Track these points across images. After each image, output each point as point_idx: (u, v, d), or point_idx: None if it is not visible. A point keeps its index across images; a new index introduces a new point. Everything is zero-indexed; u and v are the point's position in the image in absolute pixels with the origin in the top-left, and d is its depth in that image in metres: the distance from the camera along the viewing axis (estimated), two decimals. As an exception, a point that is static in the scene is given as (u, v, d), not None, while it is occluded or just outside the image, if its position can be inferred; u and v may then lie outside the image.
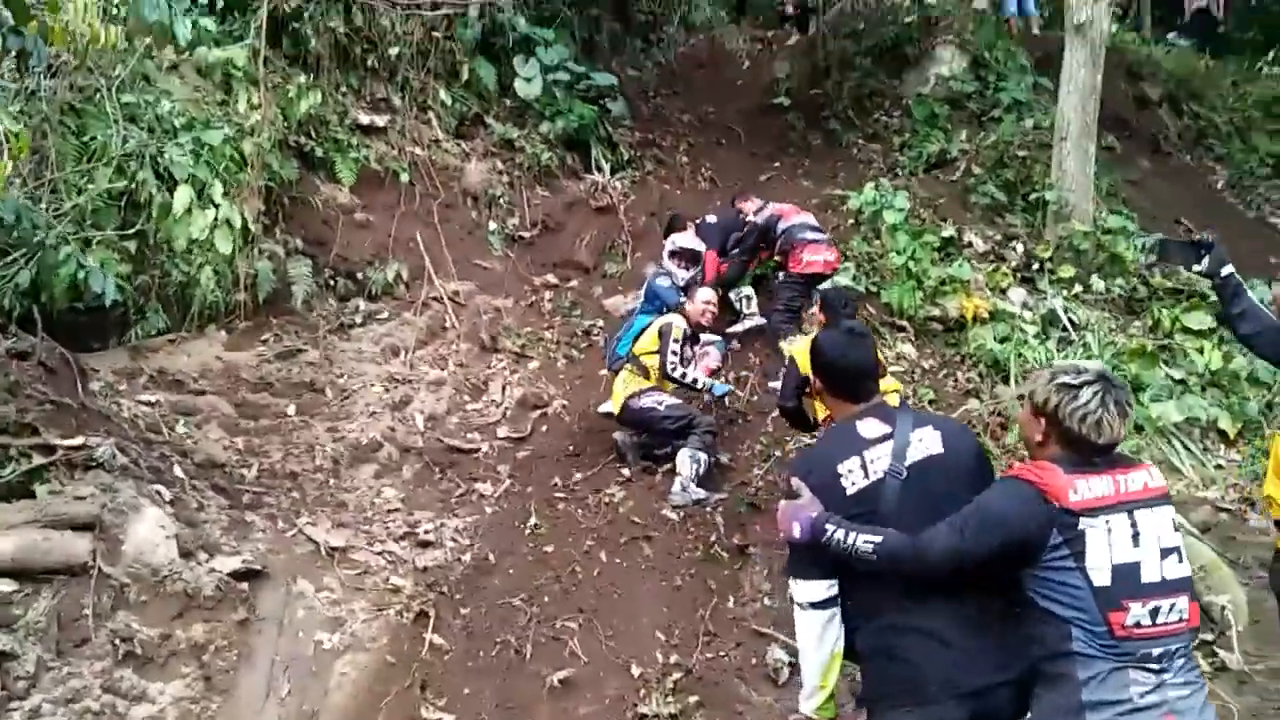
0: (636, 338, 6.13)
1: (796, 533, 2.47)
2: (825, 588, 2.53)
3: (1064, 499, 2.28)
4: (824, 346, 2.77)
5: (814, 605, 2.53)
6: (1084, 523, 2.27)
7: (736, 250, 7.54)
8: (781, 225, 7.13)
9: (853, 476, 2.53)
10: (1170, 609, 2.27)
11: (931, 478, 2.52)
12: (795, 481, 2.59)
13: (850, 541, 2.41)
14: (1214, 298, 7.41)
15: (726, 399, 6.27)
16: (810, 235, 7.01)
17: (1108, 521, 2.28)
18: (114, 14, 5.34)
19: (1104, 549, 2.27)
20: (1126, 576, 2.26)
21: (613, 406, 5.99)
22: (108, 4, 4.87)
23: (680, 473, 5.52)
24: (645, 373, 5.95)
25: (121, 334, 6.32)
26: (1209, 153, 11.97)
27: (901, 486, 2.50)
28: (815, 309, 5.95)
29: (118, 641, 4.02)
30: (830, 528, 2.44)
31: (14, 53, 4.79)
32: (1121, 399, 2.34)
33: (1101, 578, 2.26)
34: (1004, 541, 2.31)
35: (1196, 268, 3.68)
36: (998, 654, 2.48)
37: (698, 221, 7.77)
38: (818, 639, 2.54)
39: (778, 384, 5.64)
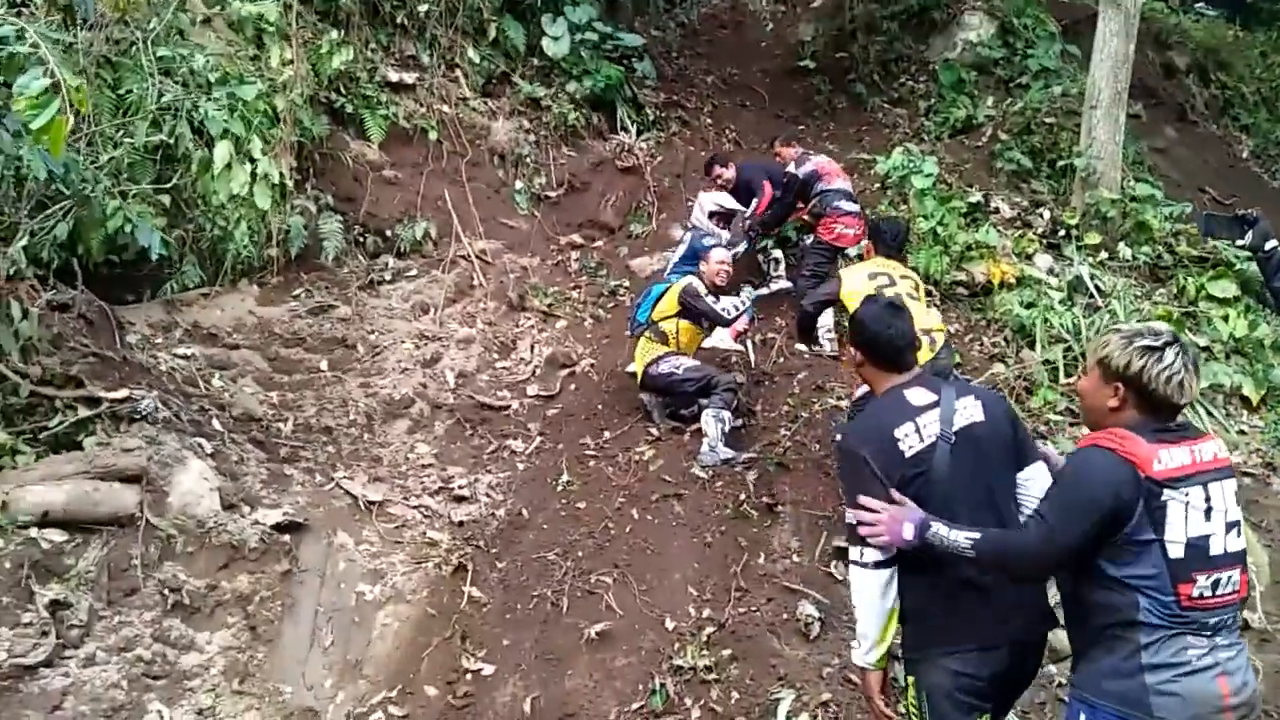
0: (655, 303, 6.17)
1: (909, 534, 2.54)
2: (886, 549, 2.63)
3: (1149, 468, 2.28)
4: (867, 321, 2.84)
5: (878, 565, 2.63)
6: (1166, 494, 2.29)
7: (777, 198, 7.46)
8: (820, 186, 7.06)
9: (909, 440, 2.64)
10: (1228, 580, 2.34)
11: (977, 442, 2.67)
12: (894, 494, 2.62)
13: (953, 539, 2.49)
14: (1239, 266, 7.49)
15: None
16: (845, 205, 6.99)
17: (1186, 494, 2.30)
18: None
19: (1181, 521, 2.29)
20: (1198, 549, 2.30)
21: (631, 368, 6.11)
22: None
23: (706, 434, 5.60)
24: (664, 338, 6.02)
25: (156, 288, 6.38)
26: (1235, 122, 11.85)
27: (951, 450, 2.64)
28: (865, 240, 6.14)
29: (166, 592, 4.14)
30: (935, 526, 2.52)
31: (61, 4, 4.81)
32: (1195, 359, 2.38)
33: (1176, 550, 2.29)
34: (1098, 520, 2.32)
35: (1240, 242, 3.71)
36: (1041, 608, 2.73)
37: (741, 165, 7.87)
38: (880, 596, 2.65)
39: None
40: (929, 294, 6.74)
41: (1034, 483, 2.74)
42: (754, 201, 7.57)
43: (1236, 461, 5.90)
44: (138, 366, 5.42)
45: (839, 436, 2.89)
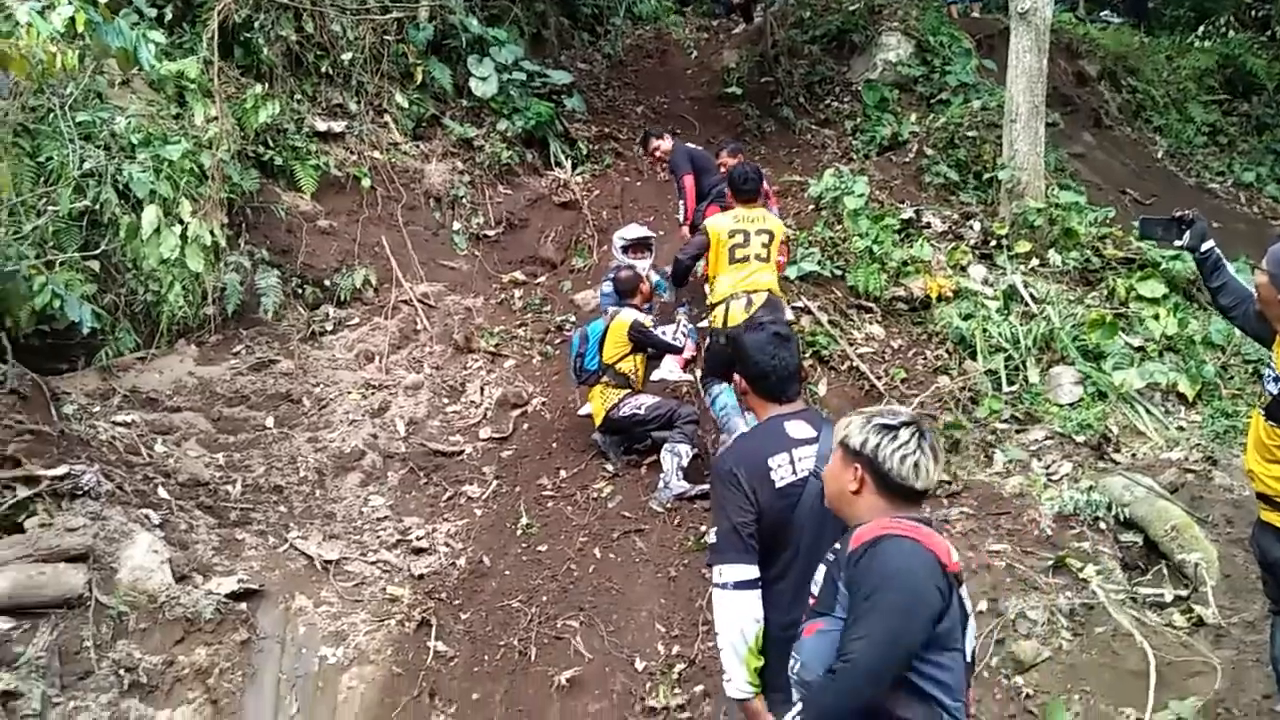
0: (601, 344, 6.02)
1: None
2: (753, 570, 2.59)
3: (947, 560, 2.08)
4: (751, 350, 2.79)
5: (739, 585, 2.57)
6: (959, 590, 2.13)
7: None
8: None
9: (782, 471, 2.62)
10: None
11: None
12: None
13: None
14: (1165, 265, 7.75)
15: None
16: None
17: (965, 588, 2.17)
18: (69, 35, 5.24)
19: (970, 618, 2.16)
20: (971, 650, 2.18)
21: (593, 417, 6.03)
22: (65, 28, 4.76)
23: (664, 470, 5.62)
24: (624, 381, 5.95)
25: (90, 355, 6.22)
26: (1148, 124, 12.31)
27: (821, 490, 2.52)
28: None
29: (121, 672, 4.02)
30: None
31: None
32: (935, 443, 2.21)
33: (968, 651, 2.16)
34: (926, 620, 2.04)
35: (1179, 243, 3.79)
36: None
37: (676, 135, 7.98)
38: (740, 620, 2.55)
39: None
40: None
41: None
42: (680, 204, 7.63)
43: (1177, 458, 6.10)
44: (76, 439, 5.27)
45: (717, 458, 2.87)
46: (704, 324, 6.32)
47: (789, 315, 7.30)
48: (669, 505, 5.44)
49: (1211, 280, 3.69)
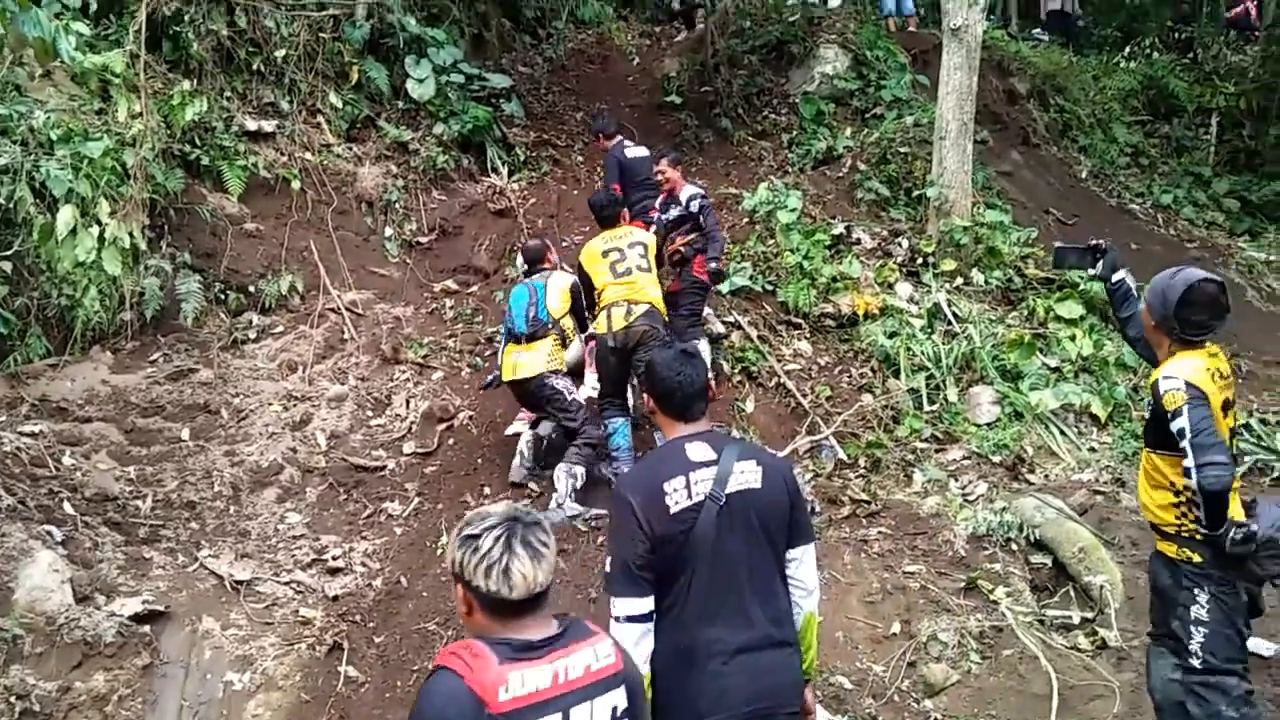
0: (545, 300, 6.03)
1: None
2: (646, 604, 2.58)
3: (492, 700, 1.84)
4: (658, 367, 2.79)
5: (631, 619, 2.56)
6: None
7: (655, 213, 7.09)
8: (711, 220, 6.88)
9: (677, 496, 2.58)
10: None
11: (748, 510, 2.63)
12: None
13: None
14: (1083, 286, 7.97)
15: None
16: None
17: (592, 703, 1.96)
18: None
19: None
20: None
21: (523, 371, 5.85)
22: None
23: (557, 489, 5.67)
24: (563, 341, 6.04)
25: (-2, 360, 6.02)
26: (1074, 144, 12.63)
27: (719, 512, 2.58)
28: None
29: (13, 699, 3.89)
30: None
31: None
32: (534, 538, 1.97)
33: None
34: None
35: (1090, 272, 3.89)
36: (793, 681, 2.72)
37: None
38: (632, 651, 2.45)
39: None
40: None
41: (802, 565, 2.73)
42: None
43: (1088, 479, 6.28)
44: (-23, 452, 5.09)
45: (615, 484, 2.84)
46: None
47: (718, 327, 7.37)
48: (561, 526, 5.42)
49: (1121, 310, 3.78)
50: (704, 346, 6.65)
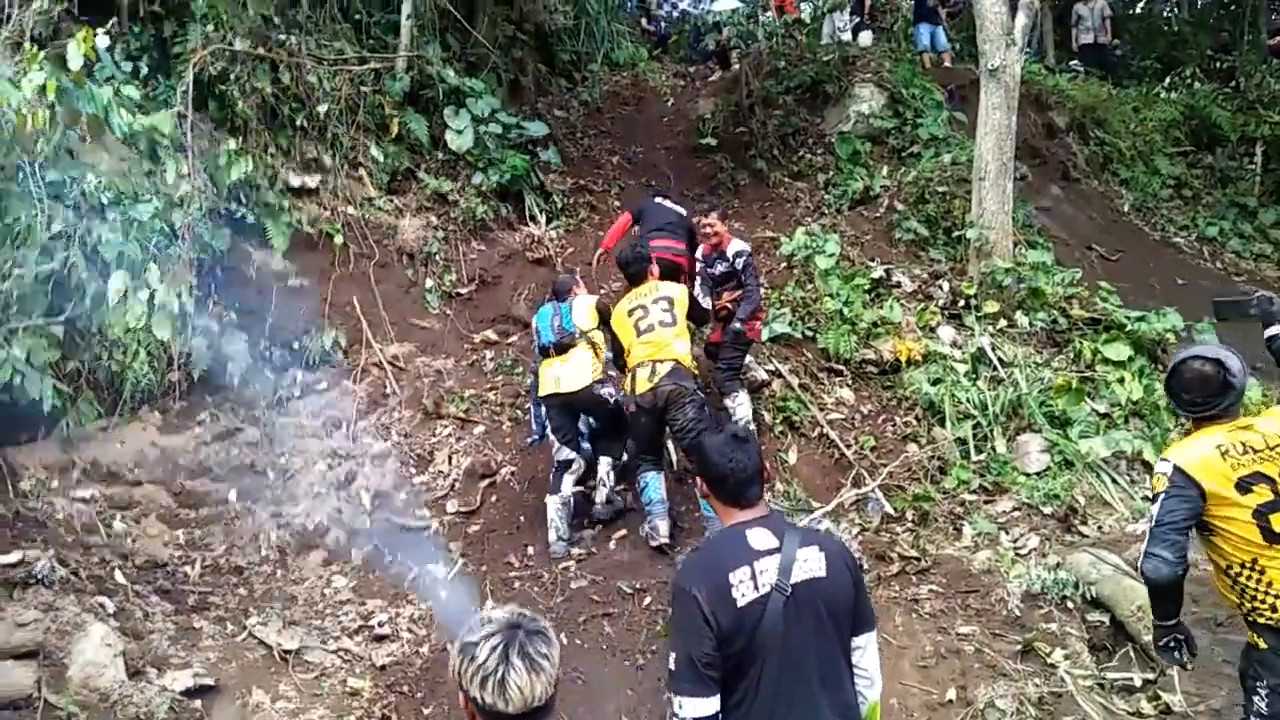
0: (572, 316, 6.19)
1: None
2: (712, 704, 2.49)
3: None
4: (709, 452, 2.73)
5: None
6: None
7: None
8: (751, 281, 6.73)
9: (743, 588, 2.50)
10: None
11: (814, 600, 2.55)
12: None
13: None
14: (1130, 327, 7.81)
15: None
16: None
17: None
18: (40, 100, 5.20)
19: None
20: None
21: (568, 385, 5.93)
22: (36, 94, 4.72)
23: (605, 484, 5.99)
24: (596, 352, 6.12)
25: (51, 424, 6.11)
26: (1115, 177, 12.48)
27: (785, 603, 2.51)
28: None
29: (70, 776, 3.90)
30: None
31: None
32: (534, 650, 1.91)
33: None
34: None
35: (1254, 312, 3.79)
36: None
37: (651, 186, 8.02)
38: None
39: None
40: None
41: (866, 653, 2.65)
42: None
43: (1142, 530, 6.10)
44: (32, 520, 5.19)
45: (678, 568, 2.78)
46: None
47: (761, 375, 7.31)
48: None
49: None
50: (744, 398, 6.62)
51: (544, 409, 6.14)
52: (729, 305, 6.75)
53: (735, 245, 6.85)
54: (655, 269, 6.34)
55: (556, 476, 6.04)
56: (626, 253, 6.39)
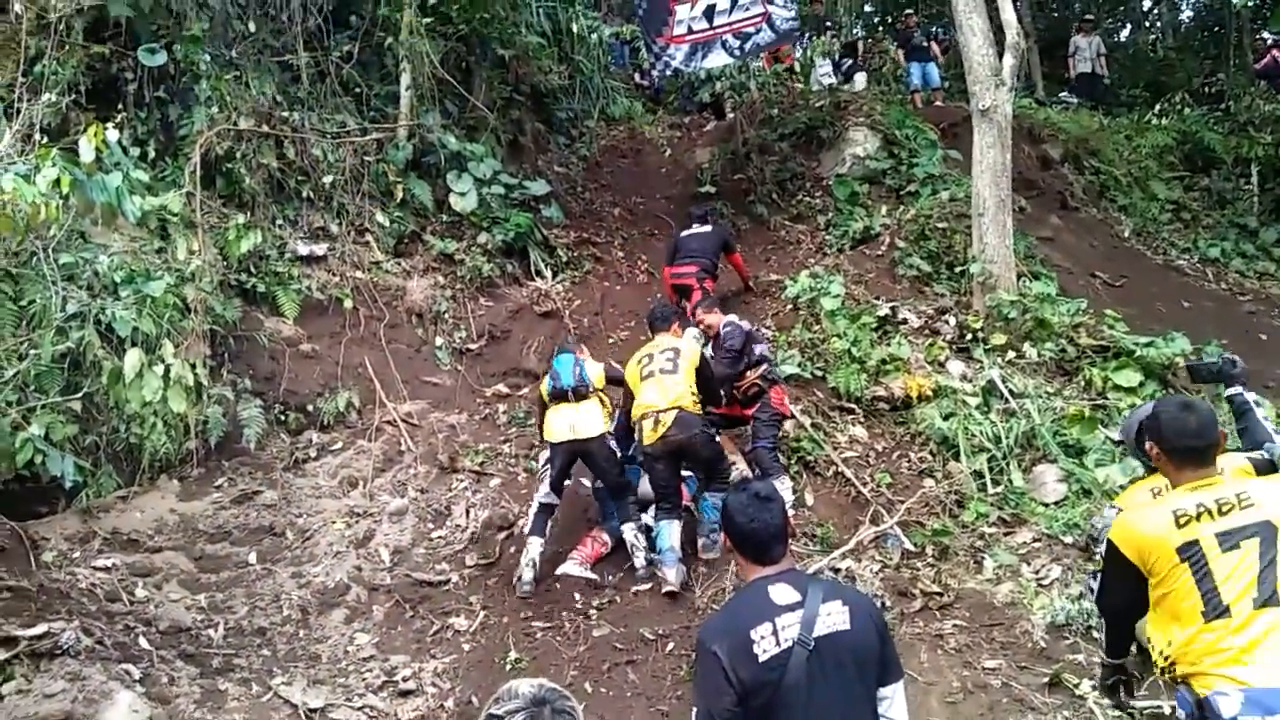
0: (584, 366, 6.31)
1: None
2: None
3: None
4: (732, 511, 2.76)
5: None
6: None
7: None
8: (759, 350, 6.85)
9: (765, 643, 2.52)
10: None
11: (838, 653, 2.55)
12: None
13: None
14: (1139, 353, 7.84)
15: None
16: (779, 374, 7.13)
17: None
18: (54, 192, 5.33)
19: None
20: None
21: (584, 431, 6.05)
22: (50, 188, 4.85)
23: (638, 550, 5.98)
24: (605, 405, 6.28)
25: (71, 497, 6.17)
26: (1113, 204, 12.61)
27: (808, 658, 2.51)
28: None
29: None
30: None
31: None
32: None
33: None
34: None
35: (1229, 391, 3.86)
36: None
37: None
38: None
39: None
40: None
41: (893, 704, 2.62)
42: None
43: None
44: (55, 592, 5.20)
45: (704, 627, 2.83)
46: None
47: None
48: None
49: (1237, 423, 3.74)
50: (785, 484, 6.52)
51: (552, 454, 6.21)
52: (758, 383, 6.72)
53: (722, 325, 6.92)
54: (676, 325, 6.51)
55: (539, 518, 6.10)
56: (656, 310, 6.78)
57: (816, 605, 2.57)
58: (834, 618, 2.57)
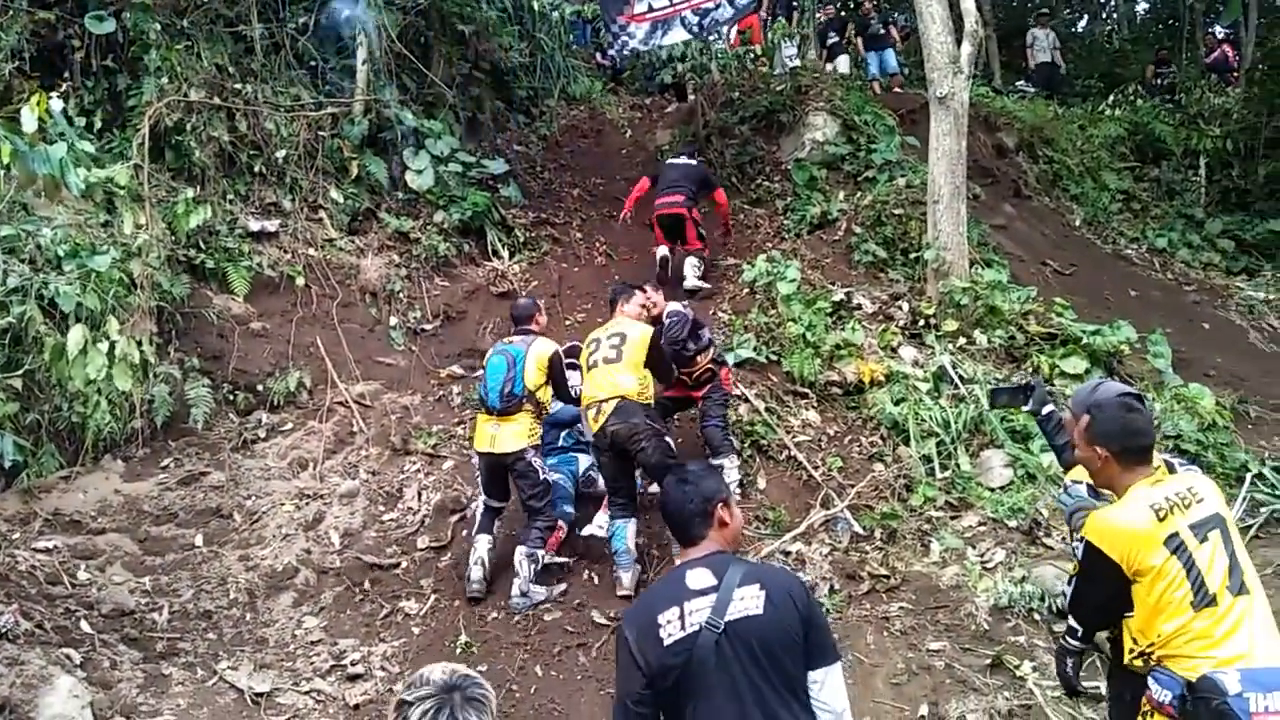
0: (523, 371, 5.89)
1: None
2: None
3: None
4: (661, 493, 2.83)
5: None
6: None
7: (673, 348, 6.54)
8: (707, 334, 6.73)
9: (670, 628, 2.53)
10: None
11: (749, 636, 2.52)
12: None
13: None
14: (1085, 340, 8.01)
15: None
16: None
17: None
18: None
19: None
20: None
21: (502, 445, 5.76)
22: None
23: (519, 574, 5.62)
24: (539, 412, 5.96)
25: (11, 477, 6.04)
26: (1065, 193, 12.78)
27: (718, 641, 2.50)
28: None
29: (37, 835, 3.83)
30: None
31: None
32: (469, 715, 1.89)
33: None
34: None
35: (1026, 408, 3.94)
36: None
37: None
38: None
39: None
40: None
41: (825, 688, 2.56)
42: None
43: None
44: (-7, 574, 5.10)
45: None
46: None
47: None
48: (526, 612, 5.55)
49: (1055, 439, 3.78)
50: (733, 462, 6.54)
51: (478, 461, 6.07)
52: (710, 367, 6.68)
53: (668, 308, 6.70)
54: (624, 305, 6.32)
55: (485, 518, 5.94)
56: (614, 289, 6.67)
57: (731, 589, 2.57)
58: (747, 602, 2.55)
